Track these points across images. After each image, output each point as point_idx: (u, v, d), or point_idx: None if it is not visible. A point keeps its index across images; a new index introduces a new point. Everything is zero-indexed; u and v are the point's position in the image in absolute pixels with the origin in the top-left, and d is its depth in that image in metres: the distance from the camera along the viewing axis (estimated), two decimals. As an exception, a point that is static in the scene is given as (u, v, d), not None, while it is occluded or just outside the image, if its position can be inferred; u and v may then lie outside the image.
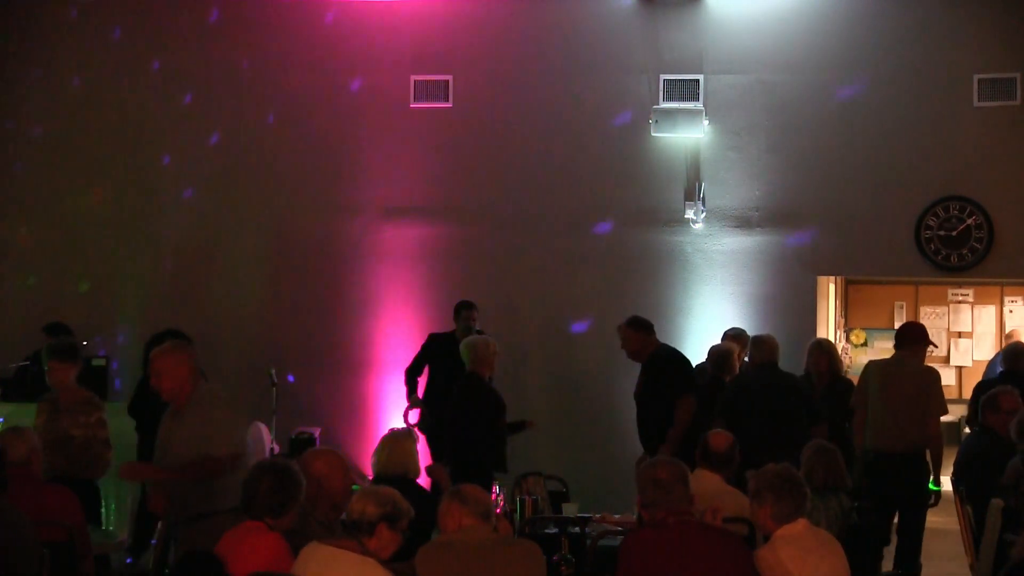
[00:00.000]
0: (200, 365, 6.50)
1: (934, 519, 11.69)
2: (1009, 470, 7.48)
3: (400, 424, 10.26)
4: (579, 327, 11.46)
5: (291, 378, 11.43)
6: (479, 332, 10.40)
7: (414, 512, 4.92)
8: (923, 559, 9.78)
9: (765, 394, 8.56)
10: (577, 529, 6.93)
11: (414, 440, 6.90)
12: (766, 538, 5.37)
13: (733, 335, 9.95)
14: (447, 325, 10.84)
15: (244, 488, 5.17)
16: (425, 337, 10.76)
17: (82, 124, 12.09)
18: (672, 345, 9.29)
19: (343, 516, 5.04)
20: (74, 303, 11.69)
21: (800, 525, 5.26)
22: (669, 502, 5.10)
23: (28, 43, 12.16)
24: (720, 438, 6.88)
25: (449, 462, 8.54)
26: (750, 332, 10.57)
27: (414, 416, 10.45)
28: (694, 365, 9.30)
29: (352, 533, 4.79)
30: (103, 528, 8.39)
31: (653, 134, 11.29)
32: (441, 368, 10.41)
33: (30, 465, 6.13)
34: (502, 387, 9.24)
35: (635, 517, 6.94)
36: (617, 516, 7.39)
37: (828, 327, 12.69)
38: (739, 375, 9.17)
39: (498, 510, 5.30)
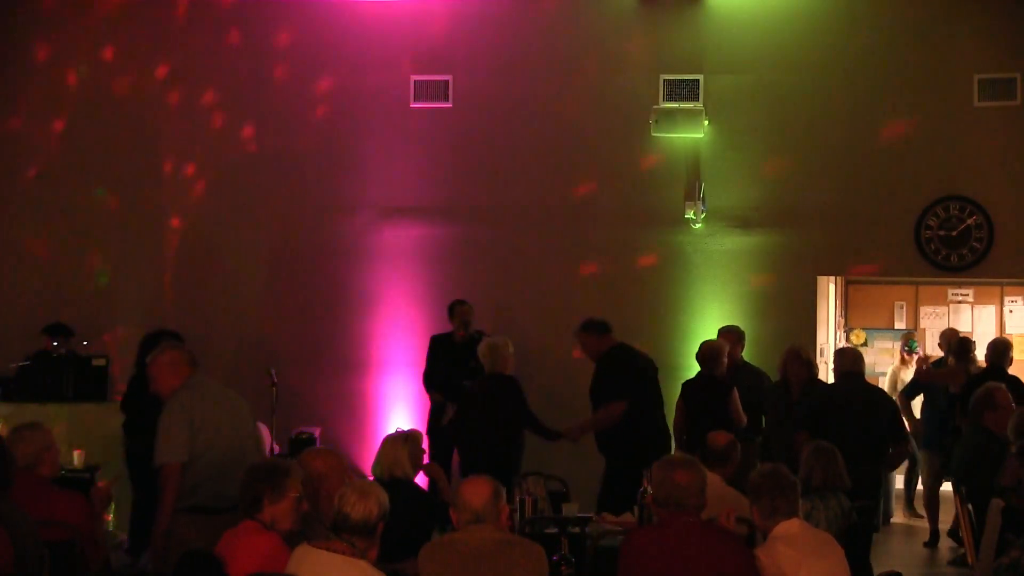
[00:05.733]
0: (190, 359, 6.44)
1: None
2: (1008, 471, 7.47)
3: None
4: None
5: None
6: (479, 331, 10.44)
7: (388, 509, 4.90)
8: (923, 559, 9.81)
9: (850, 404, 8.54)
10: (577, 529, 6.93)
11: (411, 443, 6.89)
12: (764, 537, 5.38)
13: (725, 331, 10.02)
14: (446, 325, 10.87)
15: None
16: (425, 338, 10.91)
17: (85, 125, 12.08)
18: (628, 346, 9.28)
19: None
20: (74, 303, 11.69)
21: (795, 525, 5.26)
22: (681, 504, 5.09)
23: (36, 42, 12.16)
24: (719, 436, 6.90)
25: (465, 461, 8.66)
26: (750, 332, 10.60)
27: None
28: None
29: (340, 534, 4.76)
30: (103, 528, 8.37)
31: (653, 134, 11.29)
32: (441, 368, 10.51)
33: (37, 468, 6.04)
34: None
35: (635, 517, 6.95)
36: (617, 516, 7.39)
37: (828, 327, 12.68)
38: (824, 385, 9.15)
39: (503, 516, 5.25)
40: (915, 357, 12.00)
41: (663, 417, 9.19)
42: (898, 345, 12.61)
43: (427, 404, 11.06)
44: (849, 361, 8.86)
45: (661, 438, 8.94)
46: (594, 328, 9.11)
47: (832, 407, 8.61)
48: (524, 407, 9.04)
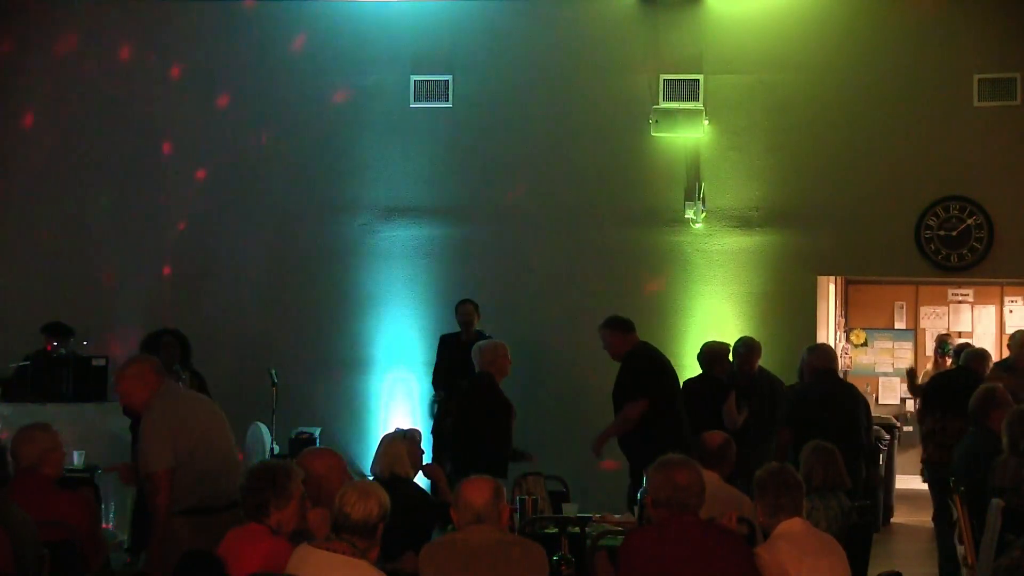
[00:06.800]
0: (158, 369, 6.37)
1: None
2: (1007, 471, 7.44)
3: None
4: (579, 326, 11.44)
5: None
6: (480, 332, 10.44)
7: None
8: (923, 559, 9.82)
9: (826, 401, 8.61)
10: (577, 529, 6.93)
11: (410, 440, 6.90)
12: (766, 535, 5.38)
13: (747, 343, 9.89)
14: (446, 325, 10.90)
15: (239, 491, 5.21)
16: (425, 338, 10.98)
17: (85, 123, 12.09)
18: (653, 344, 9.22)
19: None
20: (74, 303, 11.68)
21: (797, 524, 5.26)
22: (682, 505, 5.09)
23: (33, 40, 12.16)
24: (714, 436, 6.91)
25: (451, 461, 8.58)
26: (750, 332, 10.59)
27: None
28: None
29: (341, 534, 4.76)
30: (103, 528, 8.38)
31: (653, 134, 11.29)
32: (449, 368, 10.46)
33: (41, 468, 6.04)
34: (502, 386, 9.22)
35: (635, 517, 6.94)
36: (617, 516, 7.39)
37: (828, 327, 12.69)
38: (801, 383, 9.15)
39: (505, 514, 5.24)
40: (948, 360, 11.92)
41: (685, 416, 9.12)
42: (899, 345, 12.62)
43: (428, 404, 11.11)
44: (824, 359, 8.91)
45: (682, 437, 8.87)
46: (618, 326, 8.88)
47: (810, 406, 8.65)
48: (496, 414, 8.77)
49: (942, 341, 12.22)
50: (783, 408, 9.43)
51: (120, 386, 6.24)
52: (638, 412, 8.58)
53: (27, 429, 6.17)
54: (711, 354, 9.38)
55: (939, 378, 9.79)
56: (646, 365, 8.77)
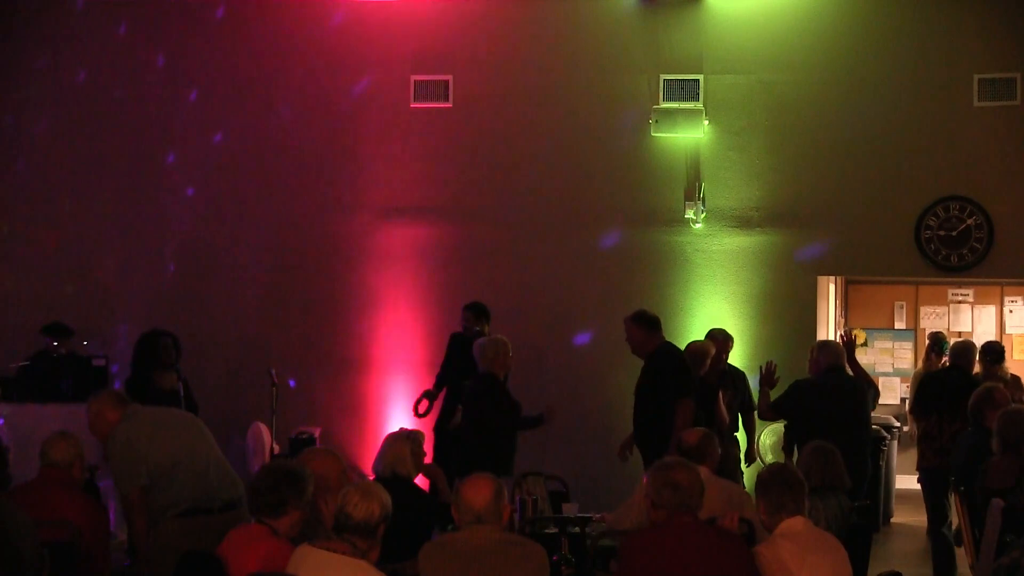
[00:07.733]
0: (115, 401, 6.52)
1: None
2: (998, 472, 7.42)
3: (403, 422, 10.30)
4: (579, 326, 11.46)
5: (292, 383, 11.44)
6: (478, 331, 10.41)
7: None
8: (923, 559, 9.84)
9: (831, 398, 8.58)
10: (577, 529, 6.93)
11: (413, 442, 6.91)
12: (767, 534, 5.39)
13: (716, 333, 9.90)
14: (446, 325, 10.87)
15: (249, 488, 5.22)
16: (426, 338, 10.98)
17: (84, 122, 12.08)
18: (675, 344, 9.22)
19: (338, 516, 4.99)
20: (74, 303, 11.69)
21: (799, 523, 5.27)
22: (683, 506, 5.09)
23: (32, 38, 12.15)
24: (692, 434, 6.93)
25: (454, 460, 8.59)
26: (750, 332, 10.59)
27: (422, 408, 10.48)
28: None
29: (342, 535, 4.76)
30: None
31: (653, 134, 11.29)
32: (457, 368, 10.40)
33: (73, 468, 6.23)
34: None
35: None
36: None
37: (828, 327, 12.68)
38: (807, 379, 9.06)
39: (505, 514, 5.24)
40: (944, 359, 11.79)
41: (702, 415, 9.09)
42: (899, 345, 12.56)
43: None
44: (833, 355, 8.84)
45: None
46: (645, 322, 8.76)
47: (811, 400, 8.61)
48: (503, 409, 8.81)
49: (938, 339, 12.03)
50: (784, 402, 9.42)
51: (90, 430, 6.47)
52: (691, 413, 8.44)
53: (63, 432, 6.40)
54: (696, 353, 9.32)
55: (929, 378, 9.73)
56: (681, 365, 8.69)
